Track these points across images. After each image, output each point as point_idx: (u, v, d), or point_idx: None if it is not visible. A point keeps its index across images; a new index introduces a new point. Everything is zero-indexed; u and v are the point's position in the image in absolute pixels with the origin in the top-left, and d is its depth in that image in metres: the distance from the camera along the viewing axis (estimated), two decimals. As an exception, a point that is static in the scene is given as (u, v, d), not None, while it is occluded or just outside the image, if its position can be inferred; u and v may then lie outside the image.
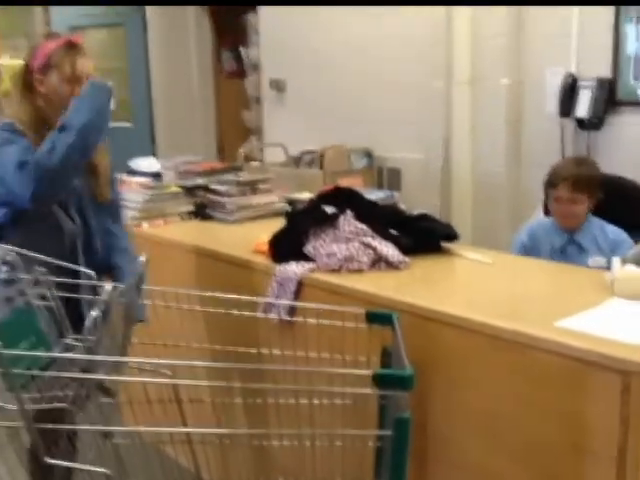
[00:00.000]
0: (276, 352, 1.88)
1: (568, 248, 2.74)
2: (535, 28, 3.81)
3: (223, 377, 1.60)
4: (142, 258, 1.76)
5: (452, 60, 4.04)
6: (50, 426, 1.45)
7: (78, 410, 1.54)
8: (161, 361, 1.57)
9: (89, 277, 1.83)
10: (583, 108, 3.59)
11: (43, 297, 1.84)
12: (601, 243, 2.69)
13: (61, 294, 1.75)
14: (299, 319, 1.90)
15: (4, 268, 1.85)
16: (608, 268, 2.53)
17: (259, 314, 2.10)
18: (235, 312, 1.88)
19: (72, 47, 2.13)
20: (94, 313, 1.48)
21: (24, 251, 1.74)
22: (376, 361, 1.80)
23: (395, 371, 1.56)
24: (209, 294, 1.89)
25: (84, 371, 1.49)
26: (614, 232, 2.72)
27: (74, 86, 2.10)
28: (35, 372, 1.51)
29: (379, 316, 1.80)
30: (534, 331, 1.68)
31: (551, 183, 2.73)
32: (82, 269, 1.88)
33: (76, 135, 1.95)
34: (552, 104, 3.74)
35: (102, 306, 1.51)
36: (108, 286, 1.52)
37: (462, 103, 4.01)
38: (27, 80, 2.14)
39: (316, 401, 1.60)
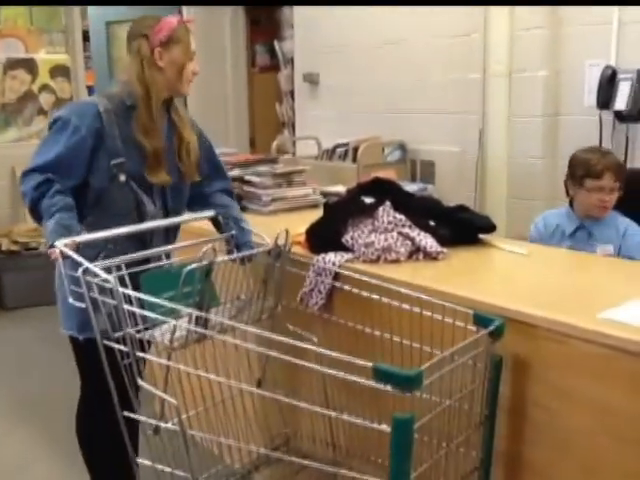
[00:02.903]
0: (376, 333, 1.99)
1: (577, 233, 2.77)
2: (574, 20, 3.76)
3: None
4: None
5: (489, 52, 4.00)
6: (150, 357, 1.89)
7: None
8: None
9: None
10: (622, 100, 3.54)
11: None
12: (611, 232, 2.71)
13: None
14: (406, 307, 1.90)
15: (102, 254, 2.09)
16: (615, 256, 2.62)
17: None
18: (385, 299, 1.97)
19: (187, 26, 2.23)
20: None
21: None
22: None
23: (393, 368, 1.49)
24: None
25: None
26: (624, 223, 2.74)
27: (190, 62, 2.21)
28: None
29: (486, 320, 1.72)
30: (576, 321, 1.67)
31: (593, 174, 2.68)
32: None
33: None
34: (591, 96, 3.70)
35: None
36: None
37: (499, 95, 3.97)
38: (149, 54, 2.16)
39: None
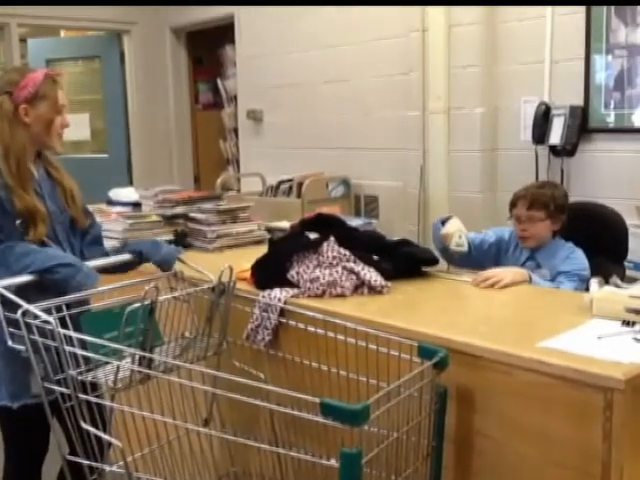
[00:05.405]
0: (323, 367, 1.99)
1: (527, 263, 2.77)
2: (509, 58, 3.91)
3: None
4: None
5: (427, 90, 4.12)
6: (93, 399, 1.77)
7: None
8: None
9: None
10: (556, 135, 3.67)
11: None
12: (556, 260, 2.70)
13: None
14: (351, 341, 1.90)
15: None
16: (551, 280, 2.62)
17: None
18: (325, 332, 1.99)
19: (55, 79, 2.19)
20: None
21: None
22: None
23: (339, 403, 1.49)
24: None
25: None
26: (568, 248, 2.73)
27: (58, 116, 2.17)
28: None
29: (430, 351, 1.73)
30: (517, 351, 1.70)
31: (511, 203, 2.79)
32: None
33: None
34: (526, 132, 3.83)
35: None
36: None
37: (438, 131, 4.08)
38: (11, 111, 2.11)
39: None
